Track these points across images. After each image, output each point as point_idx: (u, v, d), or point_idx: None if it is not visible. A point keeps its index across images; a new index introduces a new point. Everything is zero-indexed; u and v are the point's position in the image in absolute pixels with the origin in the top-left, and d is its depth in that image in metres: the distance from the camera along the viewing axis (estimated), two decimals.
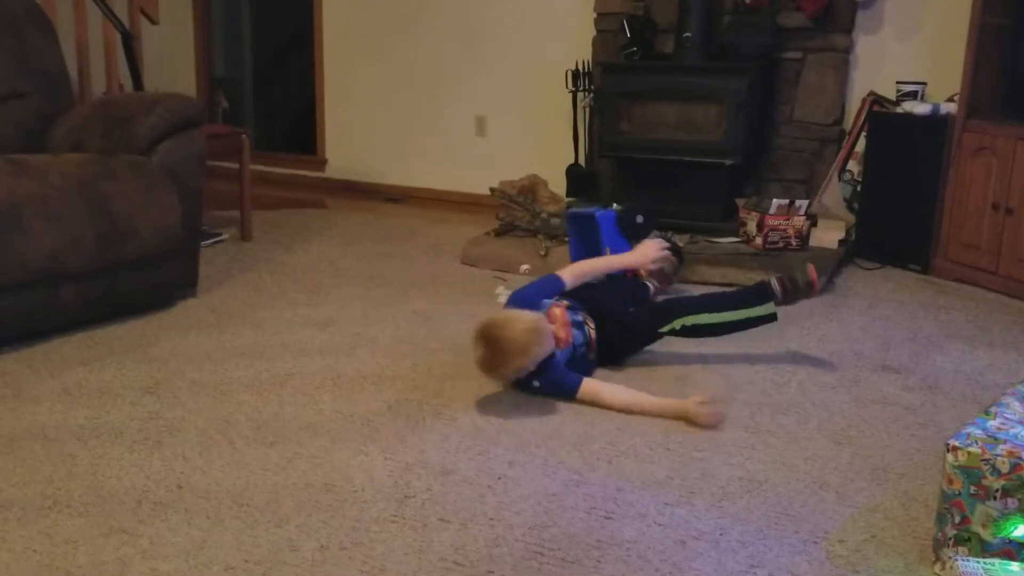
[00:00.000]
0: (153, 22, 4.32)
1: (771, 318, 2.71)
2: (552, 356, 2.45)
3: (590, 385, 2.46)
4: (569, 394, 2.45)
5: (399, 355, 2.80)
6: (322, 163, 5.85)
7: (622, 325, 2.71)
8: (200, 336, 2.95)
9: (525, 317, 2.41)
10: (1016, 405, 1.99)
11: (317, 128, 5.83)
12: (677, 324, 2.70)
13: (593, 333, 2.64)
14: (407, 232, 4.60)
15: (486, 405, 2.44)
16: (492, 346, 2.36)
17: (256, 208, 4.42)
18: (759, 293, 2.72)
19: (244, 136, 4.26)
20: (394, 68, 5.51)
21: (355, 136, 5.71)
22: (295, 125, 6.12)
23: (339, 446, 2.16)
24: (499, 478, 2.03)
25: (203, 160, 3.32)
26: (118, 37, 4.10)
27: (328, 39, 5.70)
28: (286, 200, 5.20)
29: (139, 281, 3.08)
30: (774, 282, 2.72)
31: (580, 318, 2.63)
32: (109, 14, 4.07)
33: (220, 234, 4.25)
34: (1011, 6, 3.74)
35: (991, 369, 2.77)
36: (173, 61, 6.09)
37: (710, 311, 2.71)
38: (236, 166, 4.26)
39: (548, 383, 2.46)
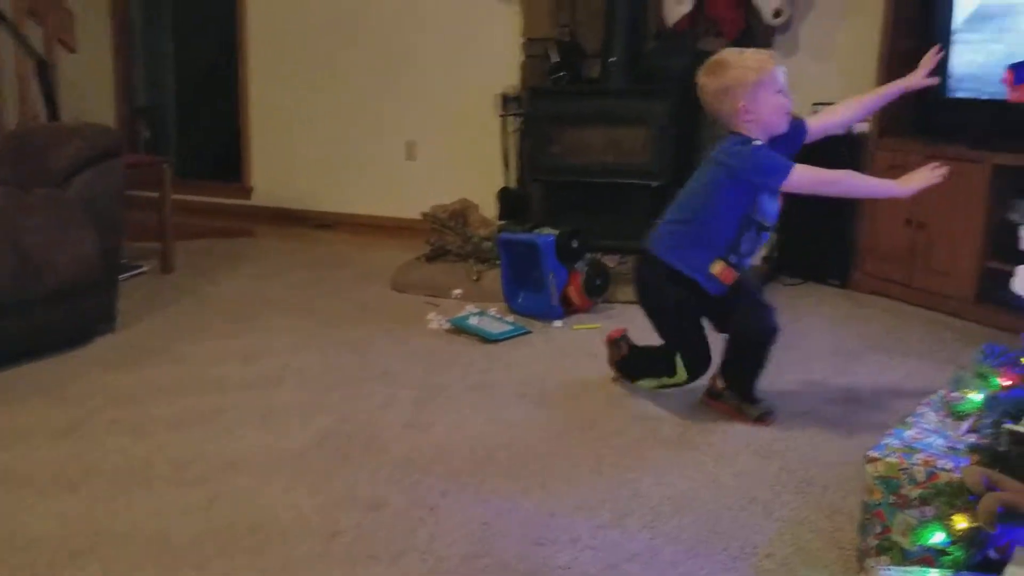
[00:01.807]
0: (71, 50, 4.22)
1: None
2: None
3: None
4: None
5: (328, 386, 2.76)
6: (248, 191, 5.77)
7: None
8: (119, 373, 2.87)
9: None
10: (931, 415, 2.05)
11: (243, 155, 5.75)
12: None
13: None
14: (336, 259, 4.56)
15: (417, 434, 2.42)
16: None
17: (179, 238, 4.33)
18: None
19: (165, 165, 4.17)
20: (322, 93, 5.47)
21: (283, 162, 5.64)
22: (221, 152, 6.02)
23: (264, 484, 2.12)
24: (431, 509, 2.01)
25: (122, 192, 3.24)
26: (32, 65, 3.99)
27: (253, 64, 5.64)
28: (211, 229, 5.11)
29: (55, 317, 2.99)
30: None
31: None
32: (23, 42, 3.96)
33: (140, 266, 4.14)
34: (918, 30, 3.88)
35: (909, 379, 2.85)
36: (91, 89, 5.95)
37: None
38: (158, 195, 4.17)
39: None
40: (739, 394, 2.52)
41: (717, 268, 2.40)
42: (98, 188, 3.13)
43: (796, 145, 2.48)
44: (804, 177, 2.33)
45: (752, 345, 2.49)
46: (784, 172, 2.30)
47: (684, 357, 2.51)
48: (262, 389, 2.74)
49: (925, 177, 2.37)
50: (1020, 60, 2.52)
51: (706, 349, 2.51)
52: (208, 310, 3.61)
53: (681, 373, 2.52)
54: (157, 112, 6.40)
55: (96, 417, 2.51)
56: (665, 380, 2.57)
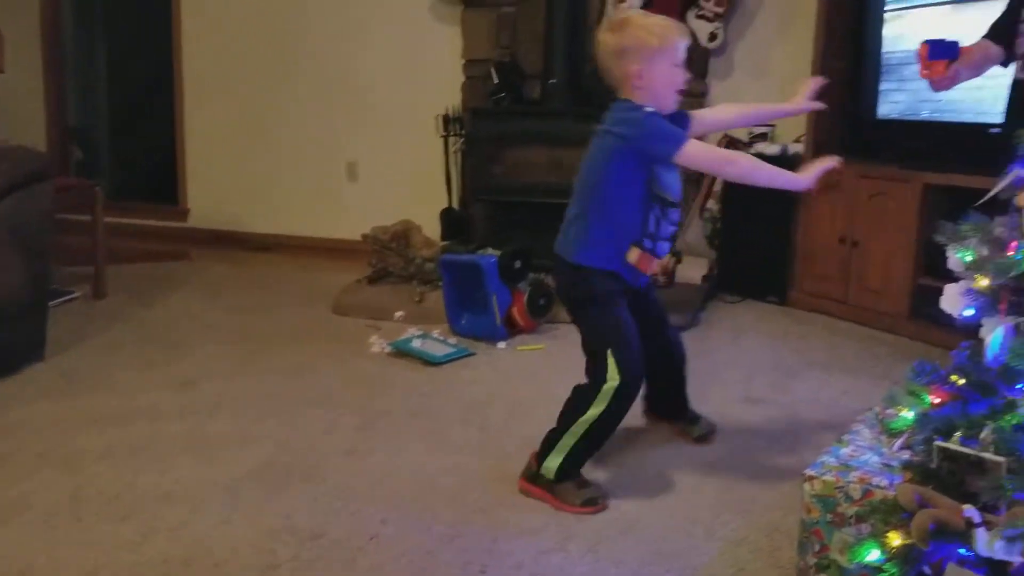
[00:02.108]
0: None
1: None
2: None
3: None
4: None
5: (265, 414, 2.71)
6: (184, 212, 5.65)
7: None
8: (48, 403, 2.77)
9: None
10: (866, 432, 2.08)
11: (179, 176, 5.64)
12: None
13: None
14: (276, 282, 4.49)
15: (358, 460, 2.39)
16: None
17: (113, 263, 4.22)
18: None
19: (97, 188, 4.07)
20: (261, 113, 5.40)
21: (220, 184, 5.55)
22: (156, 174, 5.90)
23: (199, 516, 2.06)
24: (371, 538, 1.97)
25: (51, 216, 3.15)
26: None
27: (189, 84, 5.54)
28: (146, 253, 4.99)
29: None
30: None
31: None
32: None
33: (72, 292, 4.02)
34: (849, 51, 3.98)
35: (846, 395, 2.90)
36: (21, 110, 5.79)
37: None
38: (90, 219, 4.06)
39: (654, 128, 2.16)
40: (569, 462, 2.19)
41: (634, 256, 2.21)
42: (25, 213, 3.04)
43: None
44: (699, 151, 2.19)
45: (675, 371, 2.49)
46: (678, 142, 2.13)
47: (616, 353, 2.18)
48: (197, 417, 2.67)
49: (821, 166, 2.29)
50: (936, 38, 2.57)
51: (639, 346, 2.23)
52: (142, 336, 3.52)
53: (613, 375, 2.16)
54: (90, 133, 6.25)
55: (24, 449, 2.42)
56: (592, 411, 2.17)
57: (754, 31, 4.46)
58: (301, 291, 4.29)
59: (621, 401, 2.18)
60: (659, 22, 2.19)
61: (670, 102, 2.22)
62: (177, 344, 3.41)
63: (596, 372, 2.19)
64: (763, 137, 4.29)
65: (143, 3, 5.81)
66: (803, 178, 2.28)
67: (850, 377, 3.09)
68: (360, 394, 2.89)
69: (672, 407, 2.61)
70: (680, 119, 2.30)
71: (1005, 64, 2.70)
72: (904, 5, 3.73)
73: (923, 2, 3.69)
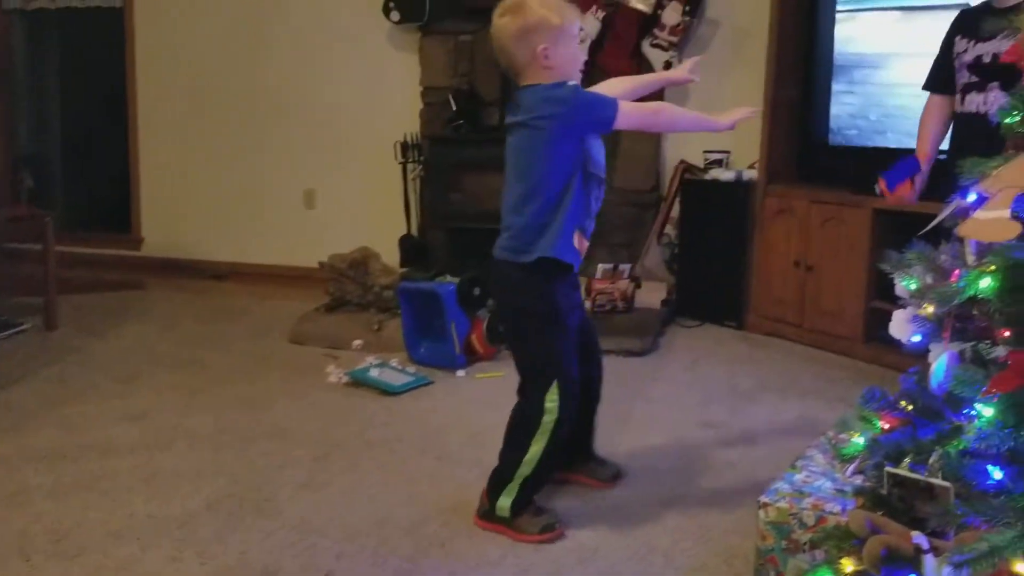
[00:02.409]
0: None
1: None
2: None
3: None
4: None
5: (219, 447, 2.66)
6: (139, 241, 5.58)
7: None
8: None
9: None
10: (820, 457, 2.10)
11: (133, 204, 5.57)
12: None
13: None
14: (232, 311, 4.43)
15: (314, 494, 2.36)
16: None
17: (65, 293, 4.14)
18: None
19: (48, 218, 4.00)
20: (217, 140, 5.36)
21: (175, 212, 5.48)
22: (110, 202, 5.82)
23: (150, 553, 2.02)
24: (326, 574, 1.94)
25: None
26: None
27: (144, 111, 5.49)
28: (99, 282, 4.91)
29: None
30: None
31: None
32: None
33: (22, 323, 3.94)
34: (800, 80, 4.06)
35: (802, 420, 2.92)
36: None
37: None
38: (41, 249, 3.98)
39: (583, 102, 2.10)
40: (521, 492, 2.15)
41: (576, 240, 2.15)
42: None
43: None
44: (631, 108, 2.13)
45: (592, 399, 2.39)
46: (613, 104, 2.08)
47: (562, 383, 2.12)
48: (149, 452, 2.62)
49: (741, 112, 2.26)
50: (889, 169, 2.64)
51: (577, 374, 2.18)
52: (94, 369, 3.45)
53: (552, 407, 2.10)
54: (42, 161, 6.15)
55: None
56: (534, 448, 2.13)
57: (708, 59, 4.51)
58: (257, 320, 4.24)
59: (560, 433, 2.14)
60: (555, 1, 2.11)
61: (576, 79, 2.15)
62: (129, 376, 3.35)
63: (535, 401, 2.13)
64: (719, 163, 4.35)
65: (97, 29, 5.74)
66: (723, 121, 2.25)
67: (806, 401, 3.12)
68: (316, 426, 2.86)
69: (576, 451, 2.42)
70: None
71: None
72: (855, 8, 3.80)
73: (872, 6, 3.78)
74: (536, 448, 2.12)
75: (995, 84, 2.44)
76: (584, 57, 2.21)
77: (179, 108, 5.41)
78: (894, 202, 2.59)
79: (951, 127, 2.74)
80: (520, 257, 2.13)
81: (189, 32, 5.33)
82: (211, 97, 5.34)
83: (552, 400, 2.11)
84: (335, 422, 2.89)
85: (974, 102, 2.52)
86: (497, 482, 2.17)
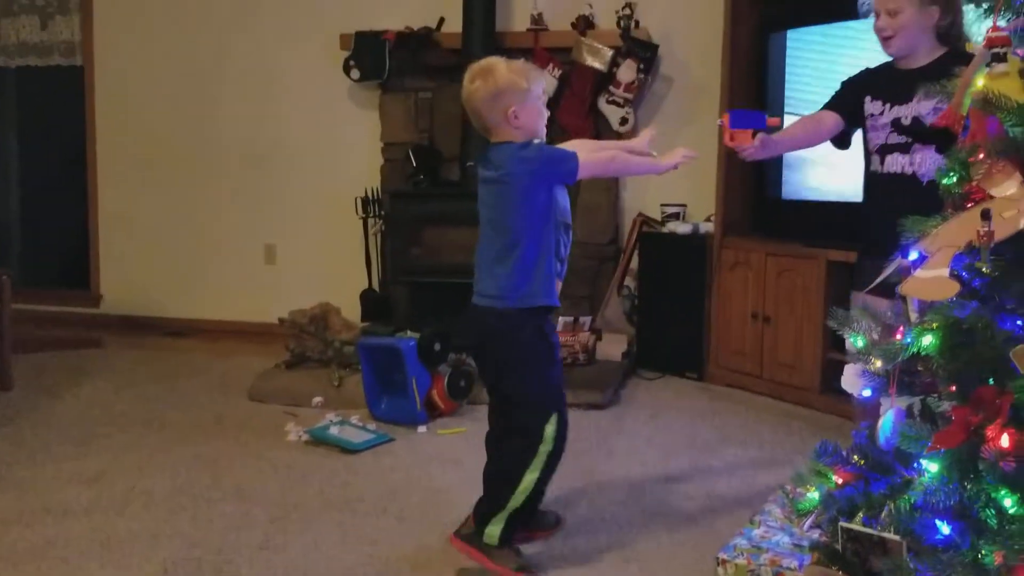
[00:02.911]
0: None
1: None
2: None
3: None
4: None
5: (177, 508, 2.62)
6: (97, 299, 5.52)
7: None
8: None
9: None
10: (777, 511, 2.13)
11: (91, 261, 5.52)
12: None
13: None
14: (190, 368, 4.38)
15: (272, 555, 2.33)
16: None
17: (21, 352, 4.08)
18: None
19: (4, 277, 3.95)
20: (176, 195, 5.34)
21: (134, 268, 5.44)
22: (69, 259, 5.76)
23: None
24: None
25: None
26: None
27: (102, 168, 5.47)
28: (56, 340, 4.84)
29: None
30: None
31: None
32: None
33: None
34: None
35: (761, 472, 2.95)
36: None
37: None
38: None
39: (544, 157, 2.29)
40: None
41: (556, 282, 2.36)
42: None
43: None
44: (588, 159, 2.33)
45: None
46: (574, 157, 2.27)
47: (559, 418, 2.27)
48: (106, 514, 2.57)
49: (680, 153, 2.47)
50: (739, 112, 2.69)
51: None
52: (49, 429, 3.39)
53: (549, 439, 2.25)
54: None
55: None
56: (529, 476, 2.24)
57: (663, 115, 4.63)
58: (216, 377, 4.20)
59: (553, 465, 2.29)
60: (521, 65, 2.31)
61: (543, 135, 2.36)
62: (85, 437, 3.29)
63: (533, 434, 2.26)
64: (676, 216, 4.43)
65: (56, 86, 5.74)
66: (665, 162, 2.46)
67: (766, 453, 3.16)
68: (275, 485, 2.83)
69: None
70: None
71: (842, 145, 2.82)
72: (803, 68, 3.94)
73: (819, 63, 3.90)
74: (530, 478, 2.24)
75: (919, 145, 2.52)
76: (547, 114, 2.37)
77: (138, 164, 5.40)
78: (730, 144, 2.64)
79: (867, 187, 2.78)
80: (511, 303, 2.28)
81: (149, 89, 5.35)
82: (170, 153, 5.35)
83: (551, 430, 2.27)
84: (294, 482, 2.86)
85: (898, 163, 2.61)
86: (487, 511, 2.26)
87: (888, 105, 2.61)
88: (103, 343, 4.93)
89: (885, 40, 2.56)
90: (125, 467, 2.97)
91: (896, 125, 2.58)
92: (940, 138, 1.83)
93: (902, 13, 2.48)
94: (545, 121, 2.35)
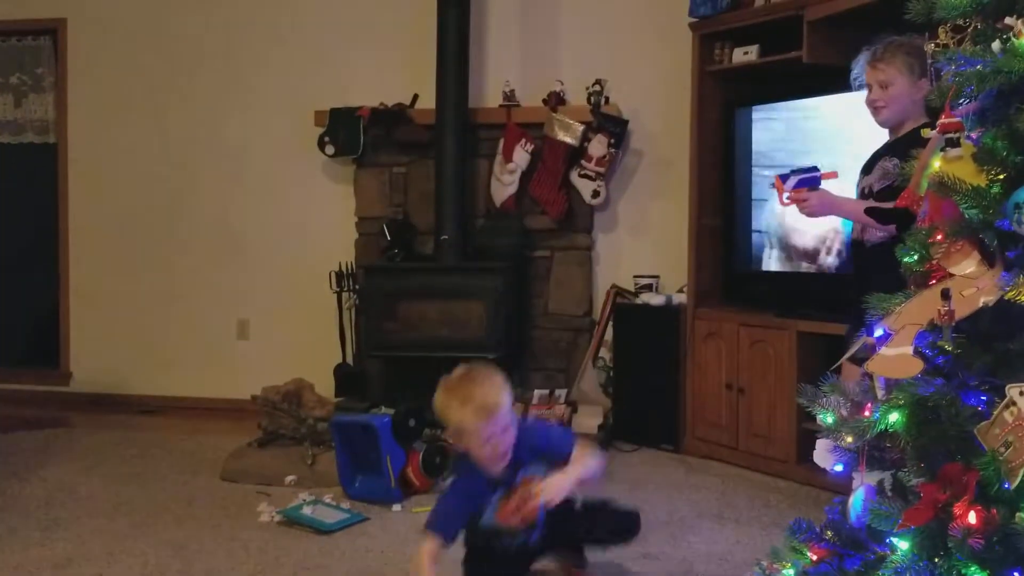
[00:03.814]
0: None
1: None
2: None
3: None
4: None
5: None
6: (67, 376, 5.45)
7: None
8: None
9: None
10: None
11: (61, 339, 5.47)
12: None
13: None
14: (160, 448, 4.31)
15: None
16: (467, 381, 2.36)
17: None
18: None
19: None
20: (148, 272, 5.32)
21: (104, 346, 5.38)
22: (38, 337, 5.70)
23: None
24: None
25: None
26: None
27: (74, 245, 5.45)
28: (23, 421, 4.76)
29: None
30: None
31: None
32: None
33: None
34: (721, 209, 4.24)
35: (738, 547, 2.93)
36: None
37: None
38: None
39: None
40: None
41: None
42: None
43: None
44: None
45: None
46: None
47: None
48: None
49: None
50: (784, 172, 2.72)
51: None
52: (14, 513, 3.31)
53: None
54: None
55: None
56: None
57: (634, 188, 4.72)
58: (187, 457, 4.13)
59: None
60: (471, 413, 2.34)
61: (493, 468, 2.41)
62: (52, 522, 3.21)
63: None
64: (649, 287, 4.47)
65: (28, 163, 5.74)
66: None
67: (742, 527, 3.14)
68: (247, 569, 2.77)
69: None
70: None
71: None
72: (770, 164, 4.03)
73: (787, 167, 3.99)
74: None
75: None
76: (493, 450, 2.39)
77: (110, 241, 5.39)
78: (789, 203, 2.66)
79: (848, 255, 2.90)
80: None
81: (121, 166, 5.37)
82: (142, 229, 5.34)
83: None
84: (267, 565, 2.80)
85: (856, 229, 2.72)
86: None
87: (862, 175, 2.71)
88: (72, 423, 4.85)
89: (877, 111, 2.66)
90: (93, 553, 2.90)
91: (862, 195, 2.68)
92: (900, 218, 1.88)
93: (893, 85, 2.59)
94: (490, 460, 2.38)
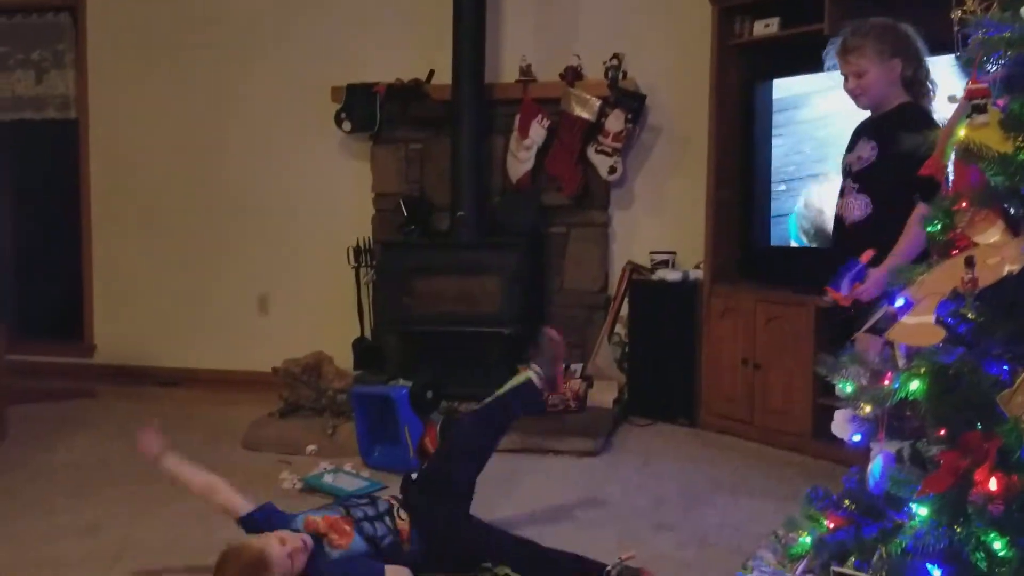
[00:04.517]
0: None
1: None
2: (322, 559, 2.35)
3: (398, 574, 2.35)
4: None
5: (170, 559, 2.62)
6: (91, 349, 5.52)
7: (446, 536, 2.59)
8: None
9: (243, 553, 2.25)
10: (769, 556, 2.14)
11: (85, 312, 5.53)
12: (501, 572, 2.47)
13: (404, 524, 2.52)
14: (184, 418, 4.37)
15: None
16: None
17: (13, 403, 4.07)
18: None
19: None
20: (170, 247, 5.37)
21: (128, 318, 5.45)
22: (63, 310, 5.78)
23: None
24: None
25: None
26: None
27: (96, 220, 5.50)
28: (49, 392, 4.83)
29: None
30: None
31: (372, 513, 2.53)
32: None
33: None
34: (738, 183, 4.24)
35: (752, 519, 2.95)
36: None
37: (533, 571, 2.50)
38: None
39: None
40: None
41: None
42: None
43: None
44: None
45: None
46: None
47: None
48: (100, 565, 2.57)
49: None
50: (833, 278, 2.70)
51: None
52: (42, 481, 3.38)
53: None
54: None
55: None
56: None
57: (651, 164, 4.71)
58: (210, 427, 4.19)
59: None
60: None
61: None
62: (79, 489, 3.28)
63: None
64: (665, 264, 4.48)
65: (51, 139, 5.80)
66: None
67: (757, 499, 3.17)
68: None
69: None
70: None
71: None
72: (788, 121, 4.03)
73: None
74: None
75: (854, 187, 2.66)
76: None
77: (132, 216, 5.44)
78: (849, 301, 2.66)
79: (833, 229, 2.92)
80: None
81: (142, 142, 5.40)
82: (164, 204, 5.39)
83: None
84: None
85: (837, 205, 2.76)
86: None
87: (846, 152, 2.76)
88: (97, 393, 4.92)
89: (855, 98, 2.71)
90: (119, 519, 2.97)
91: (845, 171, 2.73)
92: (924, 187, 1.89)
93: (867, 73, 2.62)
94: None
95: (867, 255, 2.54)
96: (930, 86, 2.67)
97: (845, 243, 2.70)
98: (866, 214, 2.63)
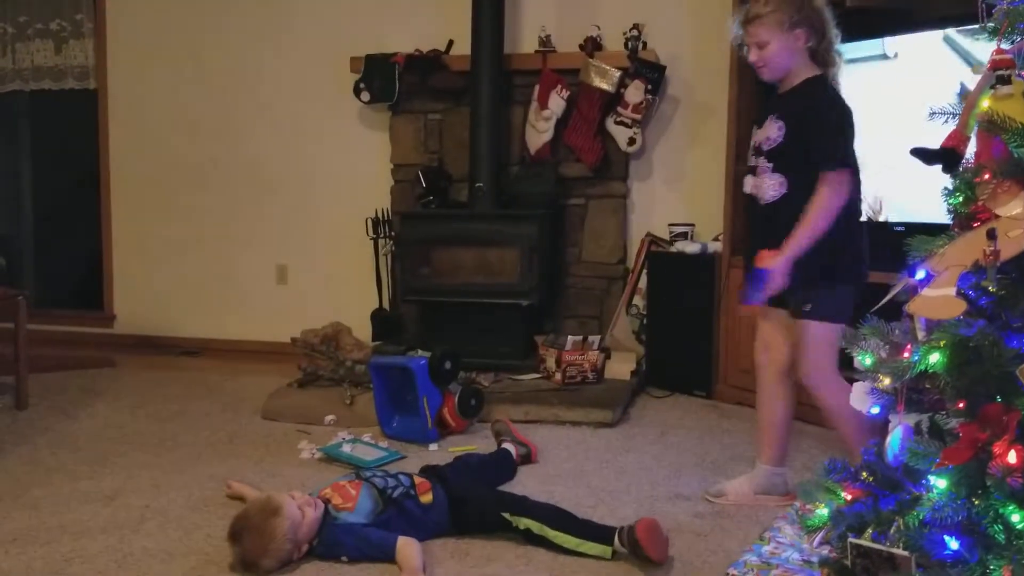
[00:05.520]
0: None
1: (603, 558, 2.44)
2: (330, 524, 2.43)
3: (407, 547, 2.38)
4: (387, 555, 2.38)
5: (192, 527, 2.65)
6: (111, 319, 5.57)
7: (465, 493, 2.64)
8: None
9: (257, 500, 2.47)
10: (788, 528, 2.15)
11: (105, 282, 5.58)
12: (522, 524, 2.50)
13: (424, 481, 2.62)
14: (203, 388, 4.42)
15: (288, 572, 2.35)
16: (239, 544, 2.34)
17: (35, 371, 4.12)
18: (603, 534, 2.46)
19: (20, 298, 4.00)
20: (189, 217, 5.41)
21: (147, 289, 5.50)
22: (82, 280, 5.83)
23: None
24: None
25: None
26: None
27: (116, 189, 5.54)
28: (70, 361, 4.89)
29: None
30: (619, 535, 2.42)
31: (386, 475, 2.63)
32: None
33: None
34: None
35: None
36: None
37: (554, 528, 2.47)
38: (13, 328, 3.98)
39: (354, 549, 2.40)
40: None
41: None
42: None
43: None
44: None
45: None
46: None
47: None
48: (122, 532, 2.60)
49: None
50: (743, 293, 2.67)
51: None
52: (64, 449, 3.43)
53: None
54: (14, 240, 6.16)
55: None
56: None
57: (670, 135, 4.68)
58: (229, 396, 4.23)
59: None
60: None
61: None
62: (101, 456, 3.33)
63: None
64: (684, 236, 4.46)
65: (70, 109, 5.82)
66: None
67: None
68: None
69: None
70: None
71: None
72: None
73: None
74: None
75: (768, 166, 2.61)
76: None
77: (151, 185, 5.47)
78: (761, 304, 2.66)
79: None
80: None
81: (161, 112, 5.42)
82: (183, 175, 5.41)
83: None
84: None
85: (748, 184, 2.71)
86: None
87: (756, 128, 2.71)
88: (117, 363, 4.98)
89: (759, 71, 2.65)
90: (140, 486, 3.01)
91: (754, 150, 2.68)
92: (946, 159, 1.86)
93: (769, 44, 2.56)
94: None
95: (761, 258, 2.54)
96: (836, 57, 2.62)
97: (763, 223, 2.67)
98: (781, 193, 2.58)
